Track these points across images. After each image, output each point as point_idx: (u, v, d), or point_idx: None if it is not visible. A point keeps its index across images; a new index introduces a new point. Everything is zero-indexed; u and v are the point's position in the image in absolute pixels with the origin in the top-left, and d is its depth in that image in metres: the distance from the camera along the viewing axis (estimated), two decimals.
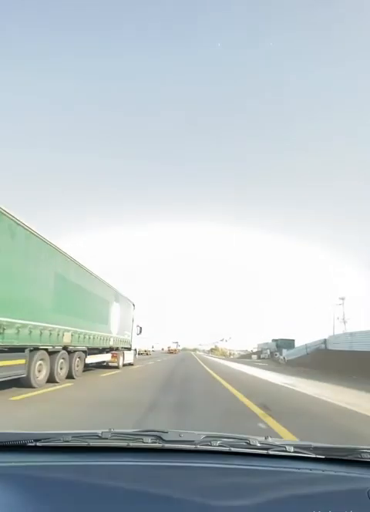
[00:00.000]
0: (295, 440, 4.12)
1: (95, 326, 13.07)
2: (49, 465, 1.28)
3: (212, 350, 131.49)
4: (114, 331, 15.73)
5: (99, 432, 1.45)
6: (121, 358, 16.80)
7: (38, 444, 1.36)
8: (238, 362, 42.72)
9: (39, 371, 8.86)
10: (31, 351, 8.40)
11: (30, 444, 1.36)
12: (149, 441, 1.41)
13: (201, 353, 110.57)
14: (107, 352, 15.34)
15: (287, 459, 1.41)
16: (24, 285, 7.87)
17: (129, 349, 19.09)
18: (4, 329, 6.98)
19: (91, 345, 12.60)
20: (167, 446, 1.40)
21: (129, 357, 18.53)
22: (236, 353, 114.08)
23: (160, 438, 1.43)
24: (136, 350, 21.25)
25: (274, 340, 64.30)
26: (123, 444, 1.39)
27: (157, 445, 1.40)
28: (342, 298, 58.38)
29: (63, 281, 10.03)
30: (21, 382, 8.16)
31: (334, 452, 1.50)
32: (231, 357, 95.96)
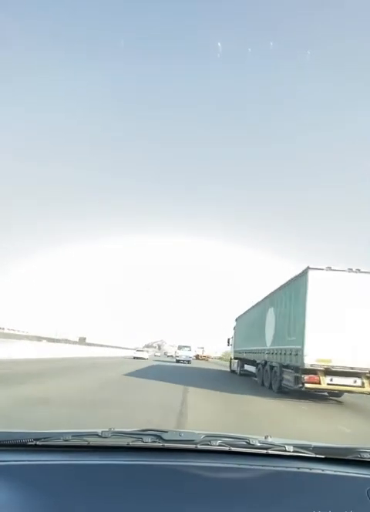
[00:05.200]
0: (295, 440, 4.06)
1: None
2: (49, 464, 1.28)
3: None
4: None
5: (99, 431, 1.45)
6: None
7: (38, 443, 1.36)
8: None
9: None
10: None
11: (30, 443, 1.36)
12: (149, 440, 1.41)
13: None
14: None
15: (287, 458, 1.41)
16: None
17: None
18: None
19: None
20: (167, 445, 1.40)
21: None
22: None
23: (160, 437, 1.43)
24: None
25: None
26: (123, 443, 1.40)
27: (157, 444, 1.40)
28: None
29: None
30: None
31: (334, 451, 1.51)
32: None
